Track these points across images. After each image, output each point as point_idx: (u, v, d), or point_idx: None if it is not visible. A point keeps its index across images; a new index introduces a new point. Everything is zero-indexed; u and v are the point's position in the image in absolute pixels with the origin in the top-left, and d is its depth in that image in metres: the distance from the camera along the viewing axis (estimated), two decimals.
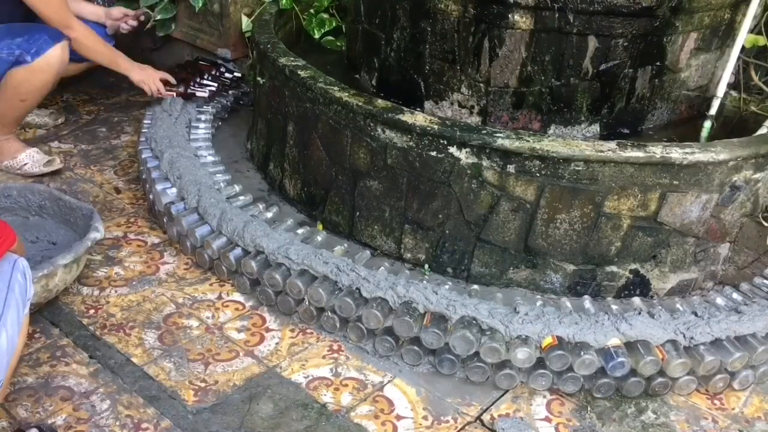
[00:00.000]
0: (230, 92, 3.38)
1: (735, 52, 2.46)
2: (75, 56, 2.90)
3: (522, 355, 2.01)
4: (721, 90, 2.51)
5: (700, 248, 2.35)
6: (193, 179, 2.56)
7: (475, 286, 2.31)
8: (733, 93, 2.74)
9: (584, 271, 2.32)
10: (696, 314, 2.10)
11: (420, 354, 2.12)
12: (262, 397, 2.02)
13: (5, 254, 1.71)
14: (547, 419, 2.02)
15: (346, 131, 2.40)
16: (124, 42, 3.37)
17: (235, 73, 3.47)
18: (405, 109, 2.30)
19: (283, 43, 2.77)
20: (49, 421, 1.88)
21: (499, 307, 2.08)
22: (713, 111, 2.52)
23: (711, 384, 2.11)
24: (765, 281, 2.32)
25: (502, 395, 2.08)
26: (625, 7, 2.26)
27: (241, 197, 2.58)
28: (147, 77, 3.01)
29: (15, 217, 2.49)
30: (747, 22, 2.41)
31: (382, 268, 2.25)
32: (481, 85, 2.46)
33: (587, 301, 2.23)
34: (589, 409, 2.06)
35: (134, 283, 2.43)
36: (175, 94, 3.05)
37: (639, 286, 2.36)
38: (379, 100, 2.35)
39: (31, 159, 2.97)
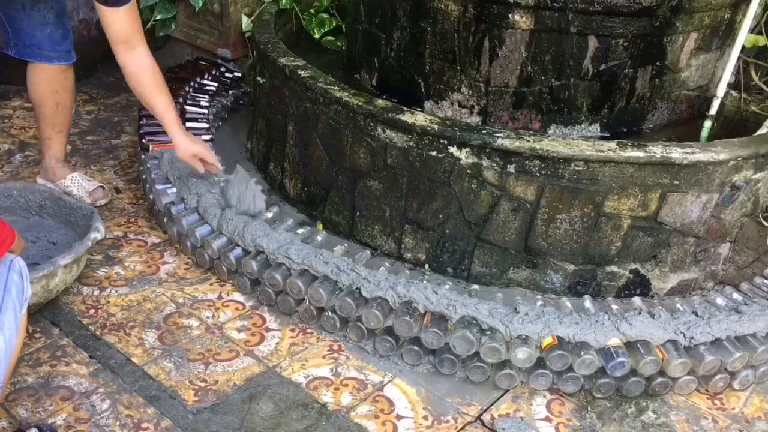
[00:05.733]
0: (230, 92, 3.38)
1: (735, 52, 2.45)
2: None
3: (522, 354, 2.01)
4: (721, 90, 2.51)
5: (700, 248, 2.35)
6: (193, 179, 2.56)
7: (476, 286, 2.31)
8: (734, 93, 2.74)
9: (584, 270, 2.32)
10: (696, 314, 2.10)
11: (420, 354, 2.12)
12: (262, 397, 2.02)
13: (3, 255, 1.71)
14: (547, 419, 2.02)
15: (346, 131, 2.40)
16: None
17: (235, 73, 3.47)
18: (405, 108, 2.30)
19: (283, 43, 2.77)
20: (49, 421, 1.88)
21: (500, 307, 2.08)
22: (713, 111, 2.52)
23: (711, 384, 2.11)
24: (765, 281, 2.32)
25: (503, 395, 2.08)
26: (625, 7, 2.26)
27: None
28: (188, 153, 2.49)
29: (15, 217, 2.49)
30: (747, 22, 2.41)
31: (382, 268, 2.25)
32: (481, 85, 2.46)
33: (587, 301, 2.23)
34: (589, 409, 2.06)
35: (134, 282, 2.43)
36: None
37: (639, 285, 2.36)
38: (379, 100, 2.35)
39: (74, 183, 2.83)
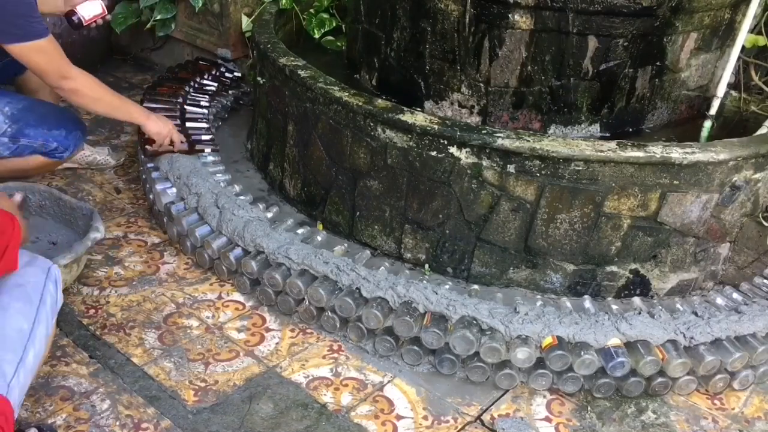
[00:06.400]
0: (230, 92, 3.38)
1: (735, 52, 2.46)
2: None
3: (522, 355, 2.01)
4: (721, 90, 2.51)
5: (700, 248, 2.35)
6: (194, 179, 2.56)
7: (475, 286, 2.31)
8: (733, 93, 2.74)
9: (584, 270, 2.32)
10: (696, 314, 2.10)
11: (420, 354, 2.12)
12: (262, 397, 2.02)
13: (34, 256, 1.68)
14: (547, 419, 2.02)
15: (346, 131, 2.40)
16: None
17: (235, 73, 3.47)
18: (405, 109, 2.30)
19: (283, 43, 2.77)
20: (49, 421, 1.88)
21: (499, 307, 2.08)
22: (713, 111, 2.53)
23: (711, 384, 2.11)
24: (765, 281, 2.32)
25: (502, 395, 2.08)
26: (625, 7, 2.26)
27: (241, 197, 2.57)
28: (165, 132, 2.64)
29: None
30: (747, 22, 2.41)
31: (382, 267, 2.25)
32: (481, 85, 2.46)
33: (587, 301, 2.23)
34: (589, 409, 2.06)
35: (134, 283, 2.43)
36: (178, 150, 2.72)
37: (639, 285, 2.36)
38: (379, 100, 2.35)
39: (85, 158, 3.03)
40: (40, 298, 1.66)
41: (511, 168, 2.19)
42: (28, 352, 1.60)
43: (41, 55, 2.33)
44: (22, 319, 1.63)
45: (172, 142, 2.68)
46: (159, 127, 2.63)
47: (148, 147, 2.71)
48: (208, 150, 2.78)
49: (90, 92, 2.47)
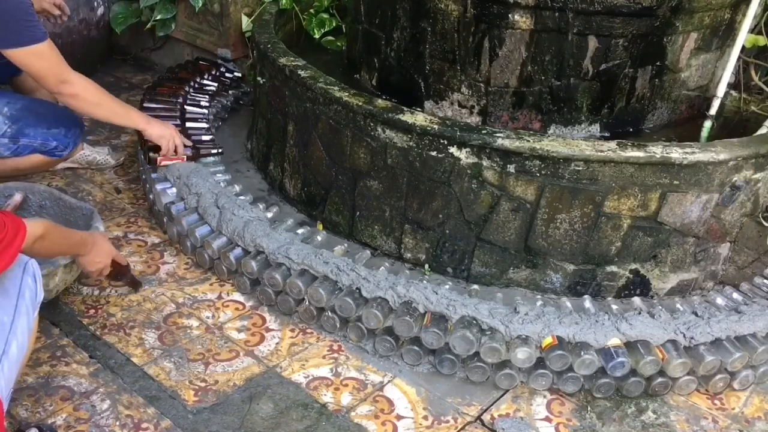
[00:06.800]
0: (230, 92, 3.38)
1: (735, 52, 2.46)
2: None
3: (522, 355, 2.01)
4: (721, 90, 2.51)
5: (700, 248, 2.35)
6: (194, 179, 2.56)
7: (475, 286, 2.31)
8: (733, 93, 2.74)
9: (584, 270, 2.32)
10: (696, 314, 2.10)
11: (420, 354, 2.12)
12: (262, 397, 2.02)
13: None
14: (547, 419, 2.02)
15: (346, 131, 2.40)
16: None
17: (235, 73, 3.47)
18: (405, 108, 2.30)
19: (283, 43, 2.77)
20: (49, 421, 1.88)
21: (500, 307, 2.08)
22: (713, 111, 2.52)
23: (711, 384, 2.11)
24: (765, 281, 2.32)
25: (503, 395, 2.08)
26: (625, 7, 2.26)
27: (241, 197, 2.57)
28: (167, 134, 2.59)
29: None
30: (747, 22, 2.41)
31: (382, 267, 2.25)
32: (481, 85, 2.46)
33: (587, 301, 2.23)
34: (589, 409, 2.06)
35: None
36: (185, 159, 2.66)
37: (639, 286, 2.36)
38: (379, 100, 2.35)
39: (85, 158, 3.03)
40: (18, 292, 1.68)
41: (511, 168, 2.19)
42: (11, 344, 1.63)
43: (40, 59, 2.31)
44: (1, 312, 1.64)
45: (176, 147, 2.64)
46: (161, 130, 2.58)
47: (152, 154, 2.65)
48: (214, 152, 2.77)
49: (89, 97, 2.43)
